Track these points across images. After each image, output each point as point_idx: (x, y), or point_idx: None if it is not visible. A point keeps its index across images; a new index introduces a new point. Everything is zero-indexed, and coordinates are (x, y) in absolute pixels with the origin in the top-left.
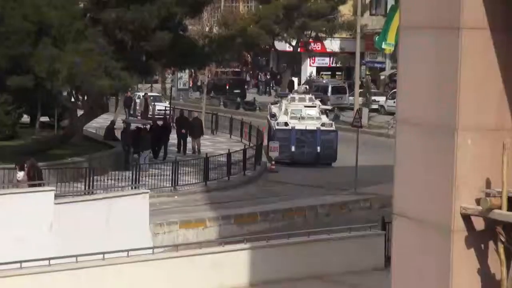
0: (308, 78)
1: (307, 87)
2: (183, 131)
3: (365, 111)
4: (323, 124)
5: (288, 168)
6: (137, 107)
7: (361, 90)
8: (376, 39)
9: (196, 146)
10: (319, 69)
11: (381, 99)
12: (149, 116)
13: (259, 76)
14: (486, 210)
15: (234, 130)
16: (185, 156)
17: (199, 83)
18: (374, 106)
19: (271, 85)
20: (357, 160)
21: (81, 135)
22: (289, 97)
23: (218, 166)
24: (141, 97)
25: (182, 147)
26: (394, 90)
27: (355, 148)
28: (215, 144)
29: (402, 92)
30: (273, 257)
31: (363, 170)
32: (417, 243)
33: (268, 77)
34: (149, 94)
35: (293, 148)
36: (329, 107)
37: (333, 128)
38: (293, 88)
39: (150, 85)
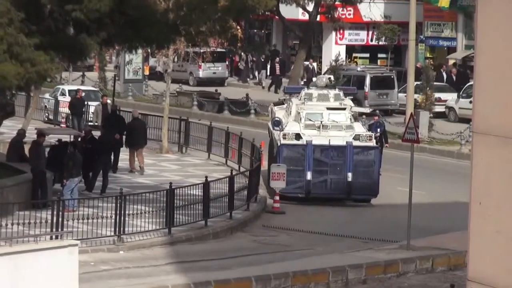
0: (334, 63)
1: (332, 77)
2: (117, 136)
3: (424, 116)
4: (357, 137)
5: (301, 207)
6: (91, 115)
7: (418, 82)
8: None
9: (138, 163)
10: (350, 49)
11: (450, 97)
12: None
13: (276, 66)
14: None
15: (214, 145)
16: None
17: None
18: (439, 109)
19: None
20: (411, 195)
21: None
22: (302, 93)
23: (189, 203)
24: (100, 103)
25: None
26: (469, 84)
27: (407, 176)
28: (184, 168)
29: (482, 87)
30: None
31: (420, 211)
32: None
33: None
34: (81, 88)
35: (309, 175)
36: (366, 110)
37: (373, 143)
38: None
39: (81, 73)
